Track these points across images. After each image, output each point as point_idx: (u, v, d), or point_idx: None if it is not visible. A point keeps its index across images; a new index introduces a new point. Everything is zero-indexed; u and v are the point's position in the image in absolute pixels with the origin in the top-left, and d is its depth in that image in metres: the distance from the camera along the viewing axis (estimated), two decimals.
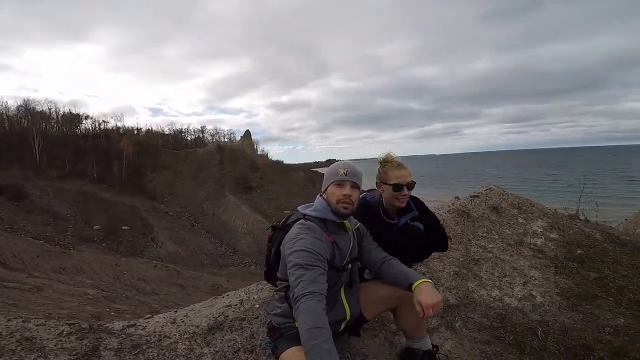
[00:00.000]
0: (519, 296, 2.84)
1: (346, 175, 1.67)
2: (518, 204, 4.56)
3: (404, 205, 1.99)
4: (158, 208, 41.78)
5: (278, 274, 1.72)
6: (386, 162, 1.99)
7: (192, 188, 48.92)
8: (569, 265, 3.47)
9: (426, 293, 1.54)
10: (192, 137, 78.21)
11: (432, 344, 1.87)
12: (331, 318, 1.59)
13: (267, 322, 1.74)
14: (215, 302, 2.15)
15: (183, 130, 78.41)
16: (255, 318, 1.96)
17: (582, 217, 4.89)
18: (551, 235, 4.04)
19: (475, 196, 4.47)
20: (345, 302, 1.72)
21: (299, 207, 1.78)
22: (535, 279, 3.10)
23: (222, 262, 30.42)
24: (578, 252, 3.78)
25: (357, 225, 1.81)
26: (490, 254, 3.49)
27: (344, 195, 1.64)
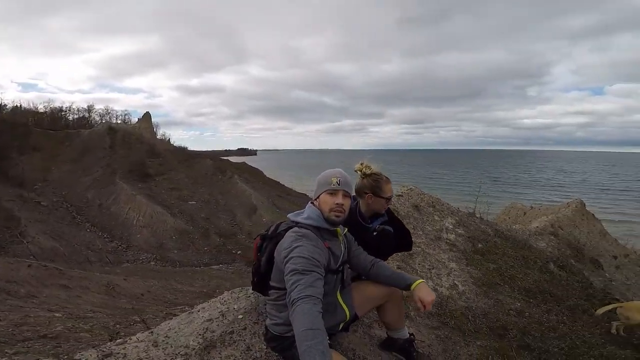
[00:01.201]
0: (447, 285, 3.39)
1: (339, 184, 1.73)
2: (432, 202, 5.31)
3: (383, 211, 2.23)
4: (27, 197, 33.96)
5: (271, 283, 1.76)
6: (377, 175, 2.16)
7: (73, 174, 41.09)
8: (475, 257, 4.26)
9: (425, 292, 1.78)
10: (75, 116, 65.30)
11: (408, 332, 2.12)
12: (333, 320, 1.77)
13: (263, 332, 1.76)
14: (192, 317, 2.00)
15: (63, 108, 64.67)
16: (243, 329, 1.90)
17: (477, 215, 5.99)
18: (459, 231, 4.86)
19: (399, 195, 5.04)
20: (343, 303, 1.83)
21: (288, 215, 1.83)
22: (454, 270, 3.73)
23: (114, 259, 26.64)
24: (479, 246, 4.66)
25: (345, 231, 1.92)
26: (419, 249, 4.03)
27: (337, 204, 1.71)
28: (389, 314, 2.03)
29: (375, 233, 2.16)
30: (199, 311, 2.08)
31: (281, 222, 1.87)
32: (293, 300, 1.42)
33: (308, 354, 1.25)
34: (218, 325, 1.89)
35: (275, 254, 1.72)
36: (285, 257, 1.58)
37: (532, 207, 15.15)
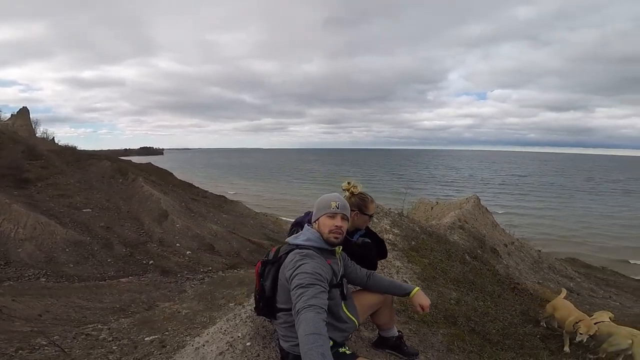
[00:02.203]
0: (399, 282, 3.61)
1: (338, 208, 1.87)
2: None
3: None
4: None
5: (279, 305, 1.85)
6: (363, 195, 2.37)
7: None
8: (412, 254, 4.62)
9: (423, 298, 2.06)
10: None
11: (397, 330, 2.39)
12: (343, 332, 1.94)
13: (282, 356, 1.85)
14: (201, 353, 1.94)
15: None
16: (256, 357, 1.93)
17: (405, 214, 6.53)
18: (395, 231, 5.22)
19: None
20: (349, 314, 1.98)
21: (287, 239, 1.95)
22: (401, 268, 3.99)
23: None
24: (412, 243, 5.07)
25: (340, 249, 2.03)
26: None
27: (336, 226, 1.85)
28: (382, 317, 2.29)
29: (357, 246, 2.30)
30: (203, 345, 2.01)
31: (280, 247, 1.96)
32: (298, 310, 1.49)
33: (309, 356, 1.30)
34: (232, 357, 1.90)
35: (279, 276, 1.81)
36: (290, 275, 1.68)
37: (437, 202, 17.27)
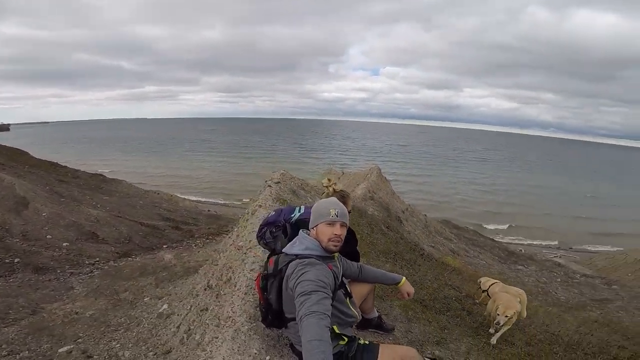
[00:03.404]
0: None
1: (337, 216, 1.86)
2: (302, 185, 5.62)
3: None
4: None
5: (288, 315, 1.87)
6: (344, 192, 2.48)
7: None
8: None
9: (409, 286, 2.35)
10: None
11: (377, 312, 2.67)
12: (349, 326, 2.02)
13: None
14: None
15: None
16: None
17: None
18: None
19: (277, 182, 5.05)
20: (353, 310, 2.04)
21: (284, 250, 1.92)
22: None
23: None
24: None
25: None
26: None
27: (335, 235, 1.85)
28: (367, 303, 2.54)
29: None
30: None
31: (277, 258, 1.92)
32: (301, 317, 1.51)
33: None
34: None
35: (283, 288, 1.82)
36: (294, 284, 1.68)
37: (343, 173, 18.45)
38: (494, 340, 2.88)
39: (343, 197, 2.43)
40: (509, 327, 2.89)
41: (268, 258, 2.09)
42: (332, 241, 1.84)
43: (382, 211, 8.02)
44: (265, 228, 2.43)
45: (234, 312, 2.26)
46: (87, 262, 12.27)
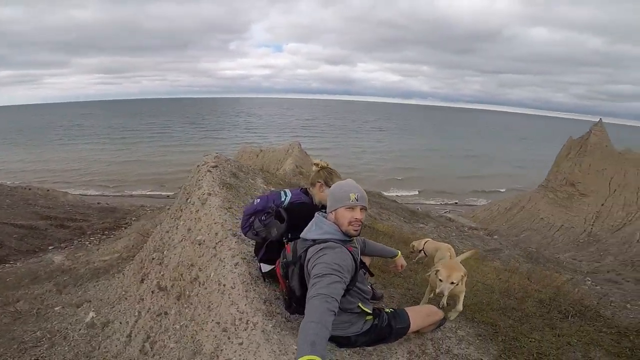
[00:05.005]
0: None
1: (357, 200, 1.81)
2: (240, 167, 5.12)
3: None
4: None
5: None
6: (332, 170, 2.30)
7: None
8: None
9: (402, 259, 2.47)
10: None
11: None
12: (368, 302, 2.00)
13: (346, 342, 1.89)
14: None
15: None
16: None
17: (264, 169, 6.41)
18: (272, 189, 5.10)
19: (215, 166, 4.48)
20: (369, 287, 2.12)
21: (301, 235, 1.87)
22: None
23: None
24: None
25: None
26: None
27: (356, 219, 1.80)
28: None
29: None
30: None
31: (295, 245, 1.88)
32: (307, 299, 1.51)
33: (300, 343, 1.32)
34: None
35: (305, 273, 1.77)
36: (311, 267, 1.67)
37: (261, 150, 17.84)
38: (452, 315, 2.36)
39: (329, 173, 2.27)
40: (463, 291, 2.34)
41: (278, 245, 2.07)
42: (352, 225, 1.80)
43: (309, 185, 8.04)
44: (253, 217, 2.20)
45: (242, 313, 1.93)
46: None
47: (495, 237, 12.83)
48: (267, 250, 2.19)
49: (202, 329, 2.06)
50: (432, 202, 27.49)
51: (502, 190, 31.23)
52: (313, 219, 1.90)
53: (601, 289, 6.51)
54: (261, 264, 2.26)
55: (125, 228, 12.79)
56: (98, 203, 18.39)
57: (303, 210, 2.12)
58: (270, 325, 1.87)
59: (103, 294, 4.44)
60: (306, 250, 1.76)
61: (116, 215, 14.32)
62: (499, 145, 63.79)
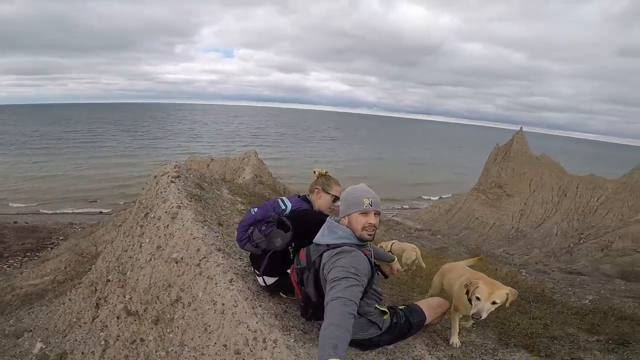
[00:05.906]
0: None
1: (371, 205, 1.83)
2: (202, 177, 4.92)
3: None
4: None
5: None
6: (330, 177, 2.36)
7: None
8: None
9: (397, 264, 2.57)
10: None
11: None
12: (381, 301, 2.06)
13: (368, 345, 1.91)
14: None
15: None
16: None
17: (227, 179, 6.21)
18: (238, 199, 4.96)
19: (177, 177, 4.26)
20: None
21: (315, 240, 1.86)
22: None
23: None
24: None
25: None
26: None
27: (370, 224, 1.83)
28: None
29: None
30: None
31: (309, 250, 1.86)
32: (326, 302, 1.51)
33: (321, 345, 1.32)
34: None
35: (320, 278, 1.77)
36: (327, 272, 1.67)
37: (212, 160, 17.13)
38: (467, 324, 2.24)
39: (327, 179, 2.33)
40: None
41: (292, 252, 2.01)
42: (367, 230, 1.82)
43: (272, 194, 7.99)
44: (252, 228, 2.14)
45: (254, 331, 1.85)
46: None
47: (439, 236, 13.82)
48: (271, 261, 2.09)
49: (204, 354, 1.94)
50: (382, 208, 28.67)
51: (449, 196, 33.64)
52: (325, 224, 1.89)
53: (535, 279, 7.36)
54: (264, 277, 2.15)
55: (52, 248, 11.43)
56: (15, 222, 16.15)
57: (308, 217, 2.13)
58: (292, 340, 1.84)
59: (45, 322, 3.94)
60: (321, 255, 1.76)
61: (38, 234, 12.95)
62: (439, 153, 69.27)
